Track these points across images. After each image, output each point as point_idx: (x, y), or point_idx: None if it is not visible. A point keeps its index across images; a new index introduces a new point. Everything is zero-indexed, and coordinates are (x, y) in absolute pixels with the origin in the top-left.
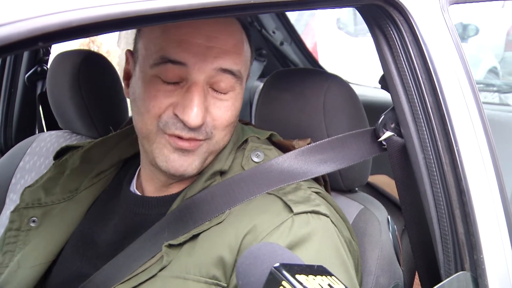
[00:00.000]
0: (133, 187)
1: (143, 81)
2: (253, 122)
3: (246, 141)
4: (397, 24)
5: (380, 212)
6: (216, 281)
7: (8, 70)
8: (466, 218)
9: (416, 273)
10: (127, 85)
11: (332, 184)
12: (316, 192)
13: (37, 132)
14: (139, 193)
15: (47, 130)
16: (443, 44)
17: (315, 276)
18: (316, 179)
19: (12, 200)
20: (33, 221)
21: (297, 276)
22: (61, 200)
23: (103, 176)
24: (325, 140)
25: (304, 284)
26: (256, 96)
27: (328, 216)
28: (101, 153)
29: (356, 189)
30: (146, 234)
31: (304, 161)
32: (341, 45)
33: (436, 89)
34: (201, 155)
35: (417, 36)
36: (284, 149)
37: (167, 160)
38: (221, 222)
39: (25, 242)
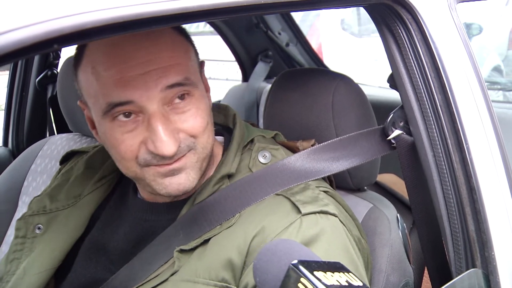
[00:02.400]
0: (139, 194)
1: (105, 130)
2: (260, 122)
3: (252, 141)
4: (405, 23)
5: (390, 211)
6: (226, 284)
7: (19, 74)
8: (477, 215)
9: (426, 271)
10: (96, 133)
11: (341, 183)
12: (325, 191)
13: (48, 135)
14: (147, 199)
15: (57, 133)
16: (451, 42)
17: (333, 272)
18: (323, 178)
19: (25, 202)
20: (39, 228)
21: (315, 272)
22: (66, 206)
23: (106, 181)
24: (336, 139)
25: (323, 280)
26: (263, 97)
27: (336, 216)
28: (103, 159)
29: (365, 188)
30: (157, 239)
31: (316, 160)
32: (345, 46)
33: (445, 87)
34: (193, 165)
35: (426, 35)
36: (289, 149)
37: (165, 186)
38: (231, 225)
39: (31, 249)
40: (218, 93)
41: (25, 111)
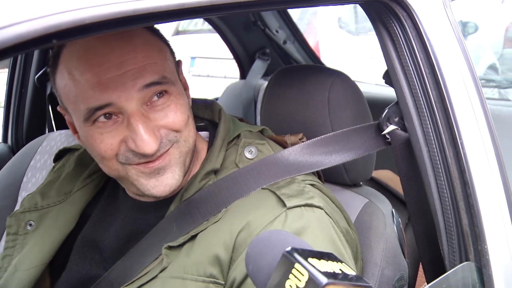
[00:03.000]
0: (131, 192)
1: (85, 133)
2: (258, 119)
3: (238, 136)
4: (400, 20)
5: (385, 206)
6: (214, 279)
7: (18, 71)
8: (470, 209)
9: (420, 265)
10: (79, 137)
11: (337, 178)
12: (311, 184)
13: (47, 131)
14: (135, 198)
15: (56, 129)
16: (446, 39)
17: (327, 261)
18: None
19: None
20: (30, 225)
21: (309, 259)
22: (56, 202)
23: (96, 177)
24: (330, 133)
25: (317, 267)
26: (261, 94)
27: (322, 208)
28: None
29: (361, 183)
30: (146, 237)
31: (309, 155)
32: (342, 44)
33: (440, 83)
34: (176, 162)
35: (421, 32)
36: (277, 144)
37: (149, 188)
38: (217, 221)
39: (22, 246)
40: (216, 91)
41: (25, 108)
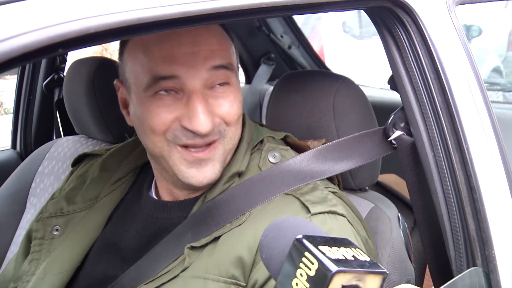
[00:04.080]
0: (152, 193)
1: (142, 105)
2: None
3: (262, 141)
4: (405, 25)
5: (391, 210)
6: (235, 281)
7: (27, 78)
8: (477, 214)
9: (427, 269)
10: (127, 113)
11: (343, 183)
12: (333, 192)
13: (54, 137)
14: (158, 198)
15: (64, 135)
16: (450, 44)
17: (339, 247)
18: (330, 179)
19: (33, 203)
20: (56, 230)
21: (320, 247)
22: (82, 208)
23: (121, 183)
24: (340, 139)
25: (327, 254)
26: (266, 99)
27: (345, 216)
28: (117, 161)
29: (367, 188)
30: (168, 237)
31: (321, 161)
32: (347, 48)
33: (445, 88)
34: (219, 157)
35: (425, 37)
36: (299, 149)
37: (188, 176)
38: (241, 224)
39: (49, 250)
40: None
41: (33, 114)
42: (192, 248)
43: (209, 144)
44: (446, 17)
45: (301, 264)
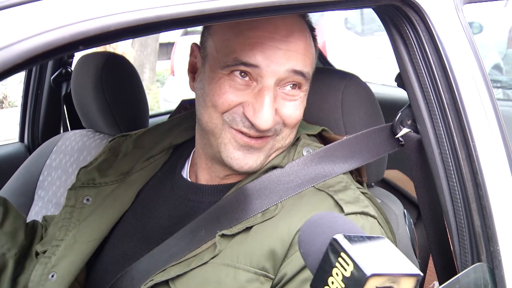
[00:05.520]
0: (186, 174)
1: (213, 79)
2: None
3: (298, 138)
4: (413, 23)
5: (397, 206)
6: (265, 273)
7: (35, 73)
8: (483, 211)
9: (429, 263)
10: (193, 78)
11: None
12: (363, 193)
13: (62, 131)
14: (192, 180)
15: (71, 129)
16: (458, 42)
17: (375, 248)
18: (353, 174)
19: (40, 196)
20: (87, 200)
21: (356, 247)
22: (114, 181)
23: (153, 161)
24: (350, 136)
25: (363, 256)
26: None
27: (376, 218)
28: (152, 139)
29: (373, 184)
30: (197, 220)
31: (335, 157)
32: (349, 44)
33: (452, 86)
34: (266, 151)
35: (433, 35)
36: None
37: (232, 157)
38: (274, 216)
39: (78, 219)
40: None
41: (40, 108)
42: (223, 235)
43: (262, 137)
44: (454, 15)
45: (337, 264)
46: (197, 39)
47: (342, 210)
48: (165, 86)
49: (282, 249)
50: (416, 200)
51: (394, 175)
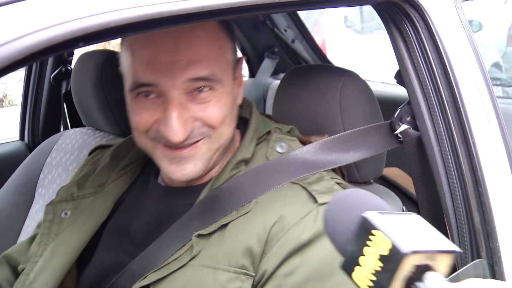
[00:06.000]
0: (160, 179)
1: (129, 101)
2: None
3: (269, 132)
4: (412, 20)
5: (395, 203)
6: (245, 271)
7: (35, 71)
8: (482, 207)
9: None
10: None
11: (349, 176)
12: (338, 183)
13: (62, 129)
14: (167, 184)
15: (71, 127)
16: (457, 40)
17: (410, 224)
18: (334, 171)
19: (41, 194)
20: (65, 213)
21: (389, 223)
22: (91, 193)
23: (129, 169)
24: (347, 132)
25: (398, 232)
26: (270, 92)
27: None
28: (127, 149)
29: (371, 181)
30: (176, 223)
31: (327, 152)
32: (348, 42)
33: (452, 83)
34: (203, 155)
35: (433, 32)
36: (304, 144)
37: (168, 172)
38: (248, 212)
39: (57, 233)
40: None
41: (41, 106)
42: (200, 236)
43: (191, 144)
44: (453, 13)
45: (368, 242)
46: None
47: (316, 201)
48: None
49: (259, 245)
50: (415, 197)
51: (393, 173)
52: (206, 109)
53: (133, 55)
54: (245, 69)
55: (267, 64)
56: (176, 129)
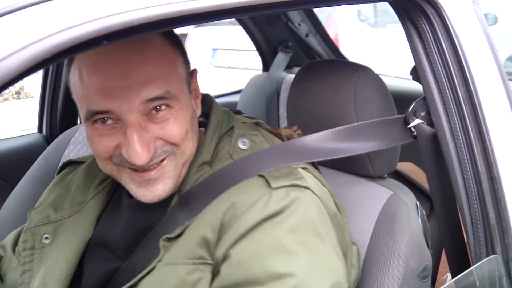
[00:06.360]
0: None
1: (87, 130)
2: (281, 110)
3: (232, 128)
4: (429, 17)
5: (409, 198)
6: (203, 260)
7: (52, 65)
8: (497, 204)
9: (443, 254)
10: None
11: (362, 170)
12: (303, 168)
13: (79, 122)
14: (138, 199)
15: None
16: (474, 37)
17: None
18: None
19: None
20: (46, 238)
21: None
22: (71, 213)
23: (106, 184)
24: (359, 123)
25: None
26: (284, 86)
27: (309, 188)
28: None
29: (385, 175)
30: (148, 236)
31: (336, 141)
32: (362, 36)
33: (468, 80)
34: (171, 173)
35: (449, 29)
36: (275, 135)
37: (138, 195)
38: (207, 205)
39: (41, 259)
40: (236, 82)
41: (58, 99)
42: (168, 239)
43: (158, 163)
44: (470, 9)
45: None
46: (209, 30)
47: (269, 185)
48: None
49: (213, 234)
50: (429, 192)
51: (408, 167)
52: (165, 127)
53: (83, 84)
54: (256, 62)
55: (281, 58)
56: (139, 152)
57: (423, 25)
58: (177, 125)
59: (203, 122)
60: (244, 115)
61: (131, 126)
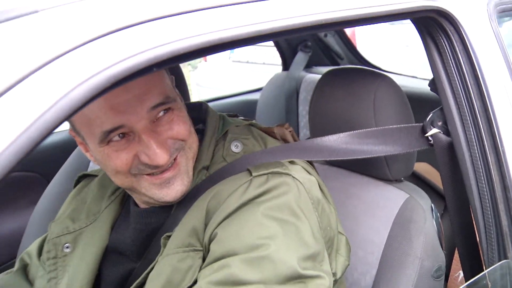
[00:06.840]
0: (136, 203)
1: (101, 153)
2: (300, 109)
3: (227, 132)
4: (448, 34)
5: (425, 201)
6: (193, 247)
7: None
8: (510, 211)
9: (455, 252)
10: (91, 155)
11: (380, 174)
12: (291, 161)
13: None
14: (143, 206)
15: None
16: (490, 52)
17: None
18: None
19: None
20: (67, 247)
21: None
22: (88, 223)
23: (119, 193)
24: (379, 128)
25: None
26: (303, 86)
27: (290, 174)
28: None
29: (402, 178)
30: (156, 237)
31: (357, 143)
32: (378, 32)
33: (483, 93)
34: (184, 169)
35: (467, 45)
36: (269, 134)
37: (161, 197)
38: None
39: (64, 267)
40: (254, 77)
41: None
42: (168, 237)
43: (173, 162)
44: (487, 26)
45: None
46: None
47: (250, 174)
48: (198, 70)
49: (200, 222)
50: (443, 192)
51: (423, 168)
52: (173, 127)
53: (90, 109)
54: (274, 57)
55: (300, 58)
56: (159, 153)
57: (442, 41)
58: (182, 123)
59: (201, 129)
60: (240, 118)
61: (145, 132)
